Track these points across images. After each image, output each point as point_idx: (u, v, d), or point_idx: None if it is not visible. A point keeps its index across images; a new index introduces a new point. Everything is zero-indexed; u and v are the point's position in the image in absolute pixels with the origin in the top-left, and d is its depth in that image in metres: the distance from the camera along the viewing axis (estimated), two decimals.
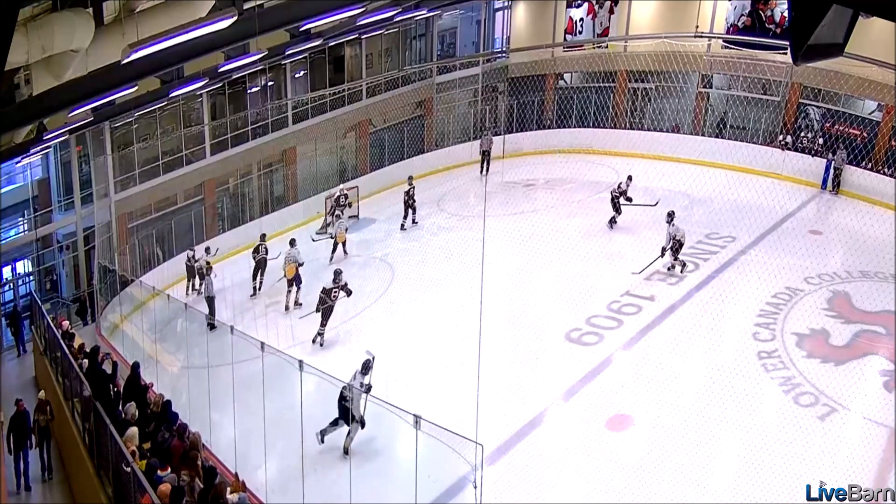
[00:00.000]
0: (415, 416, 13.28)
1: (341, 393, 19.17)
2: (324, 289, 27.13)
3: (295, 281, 30.59)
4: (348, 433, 19.77)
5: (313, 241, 36.25)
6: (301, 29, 30.48)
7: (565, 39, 47.12)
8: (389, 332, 27.08)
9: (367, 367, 19.83)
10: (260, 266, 32.52)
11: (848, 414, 21.08)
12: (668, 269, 29.46)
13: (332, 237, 35.53)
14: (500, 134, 44.93)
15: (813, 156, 38.89)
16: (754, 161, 37.76)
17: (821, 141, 39.32)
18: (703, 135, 43.35)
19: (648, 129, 44.64)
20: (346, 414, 19.61)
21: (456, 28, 49.13)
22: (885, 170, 36.85)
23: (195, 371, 24.55)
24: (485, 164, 43.89)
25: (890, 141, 37.44)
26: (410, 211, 37.43)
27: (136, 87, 23.41)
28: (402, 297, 30.30)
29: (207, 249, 34.18)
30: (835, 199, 35.93)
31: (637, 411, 21.46)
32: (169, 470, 16.48)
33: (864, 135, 38.16)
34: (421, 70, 46.65)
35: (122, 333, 32.05)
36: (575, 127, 46.56)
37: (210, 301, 30.45)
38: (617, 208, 33.30)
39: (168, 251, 37.16)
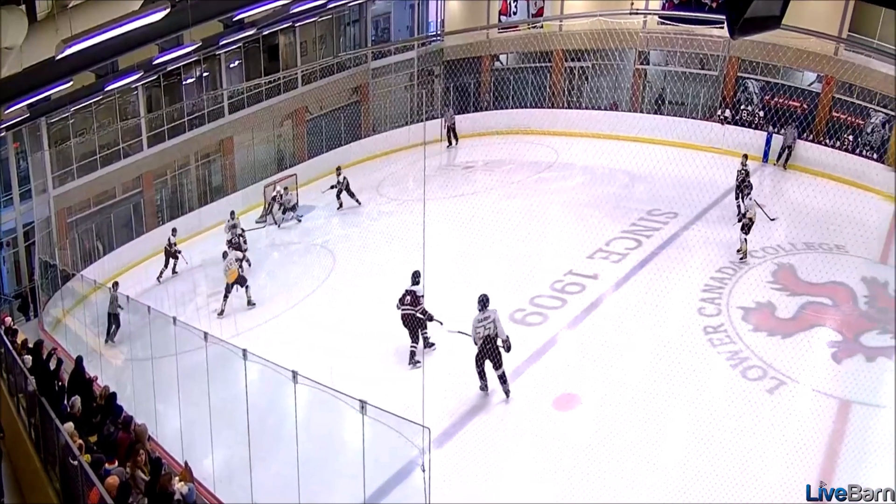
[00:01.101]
0: (360, 401, 13.00)
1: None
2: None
3: (238, 282, 29.64)
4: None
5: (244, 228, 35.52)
6: (234, 19, 30.40)
7: (500, 21, 46.86)
8: (332, 318, 26.70)
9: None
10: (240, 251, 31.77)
11: (796, 386, 20.97)
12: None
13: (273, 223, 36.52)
14: (442, 114, 45.29)
15: (753, 129, 38.89)
16: (694, 136, 37.57)
17: (761, 114, 39.31)
18: (641, 111, 43.25)
19: (586, 108, 44.32)
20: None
21: (390, 13, 48.65)
22: (827, 141, 36.91)
23: (139, 363, 24.23)
24: (451, 138, 44.34)
25: (830, 112, 37.52)
26: (338, 199, 37.73)
27: (71, 83, 23.13)
28: (343, 284, 29.89)
29: (174, 231, 34.64)
30: (777, 172, 35.73)
31: (584, 390, 21.15)
32: (116, 463, 16.07)
33: (805, 106, 38.17)
34: (356, 56, 46.25)
35: (64, 328, 31.79)
36: (512, 108, 46.15)
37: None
38: None
39: (108, 245, 36.85)
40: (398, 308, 23.34)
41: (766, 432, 18.71)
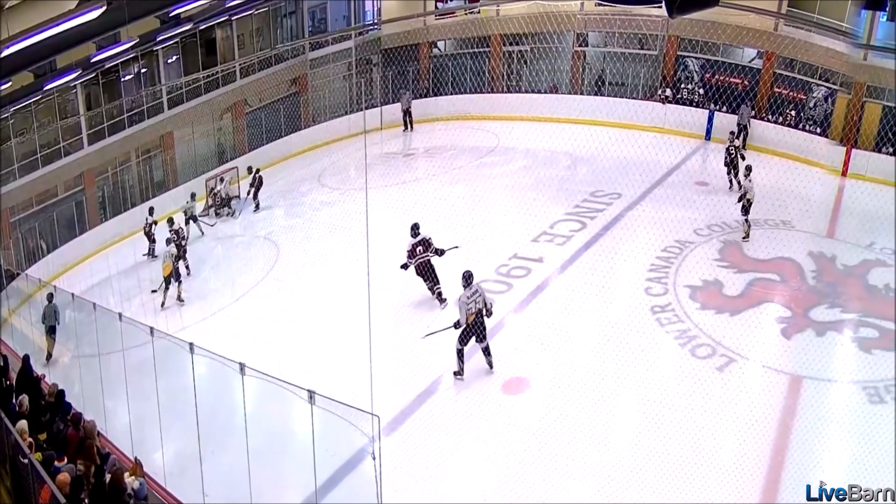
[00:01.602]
0: (309, 391, 12.85)
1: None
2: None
3: (173, 276, 29.30)
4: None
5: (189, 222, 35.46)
6: (171, 14, 30.14)
7: (436, 8, 46.75)
8: (278, 309, 26.49)
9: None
10: (179, 250, 31.15)
11: (746, 363, 20.98)
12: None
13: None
14: (397, 98, 45.26)
15: (694, 107, 38.94)
16: (636, 116, 37.58)
17: (701, 92, 39.35)
18: (581, 93, 43.11)
19: (526, 92, 44.29)
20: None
21: (326, 3, 48.10)
22: (769, 117, 37.07)
23: (86, 360, 23.79)
24: (408, 121, 44.39)
25: (772, 88, 37.63)
26: (252, 197, 37.45)
27: (9, 83, 22.82)
28: (288, 275, 29.61)
29: (151, 210, 34.68)
30: (720, 149, 35.53)
31: (532, 373, 20.97)
32: (66, 460, 16.05)
33: (746, 83, 38.29)
34: (293, 47, 45.71)
35: (10, 327, 31.10)
36: (452, 94, 46.07)
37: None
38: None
39: (52, 243, 36.29)
40: (410, 262, 24.67)
41: (718, 410, 18.58)
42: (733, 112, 37.08)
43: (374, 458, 12.36)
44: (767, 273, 25.32)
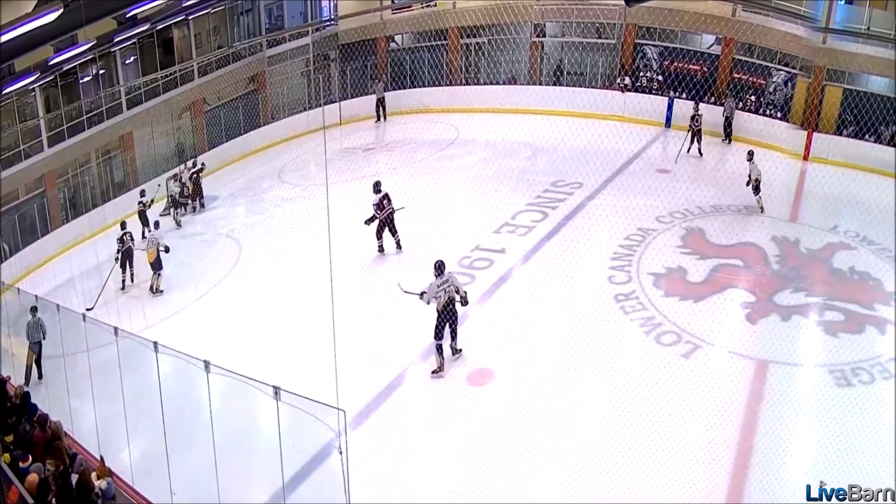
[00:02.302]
0: (274, 387, 12.89)
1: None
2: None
3: (155, 265, 29.39)
4: None
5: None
6: (128, 15, 29.89)
7: (393, 2, 46.40)
8: (242, 306, 26.32)
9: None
10: (127, 256, 30.73)
11: (712, 349, 20.98)
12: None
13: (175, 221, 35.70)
14: (372, 90, 45.14)
15: (654, 95, 38.94)
16: (595, 105, 37.49)
17: (660, 79, 39.32)
18: (540, 84, 43.02)
19: (485, 84, 44.23)
20: None
21: (282, 1, 47.90)
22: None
23: (51, 361, 23.82)
24: (381, 112, 44.49)
25: (731, 73, 37.72)
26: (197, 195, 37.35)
27: None
28: (251, 271, 29.36)
29: (142, 192, 34.81)
30: (680, 136, 35.43)
31: (497, 364, 20.92)
32: (30, 460, 15.79)
33: (705, 70, 38.38)
34: (251, 45, 45.45)
35: None
36: (410, 87, 45.91)
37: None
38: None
39: (14, 246, 35.81)
40: (379, 214, 27.34)
41: (684, 396, 18.52)
42: (692, 99, 36.81)
43: (340, 453, 12.37)
44: (731, 259, 25.33)
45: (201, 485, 15.92)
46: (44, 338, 26.00)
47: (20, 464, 15.30)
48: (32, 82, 33.86)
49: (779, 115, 35.98)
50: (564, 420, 18.33)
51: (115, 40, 35.19)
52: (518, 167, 34.93)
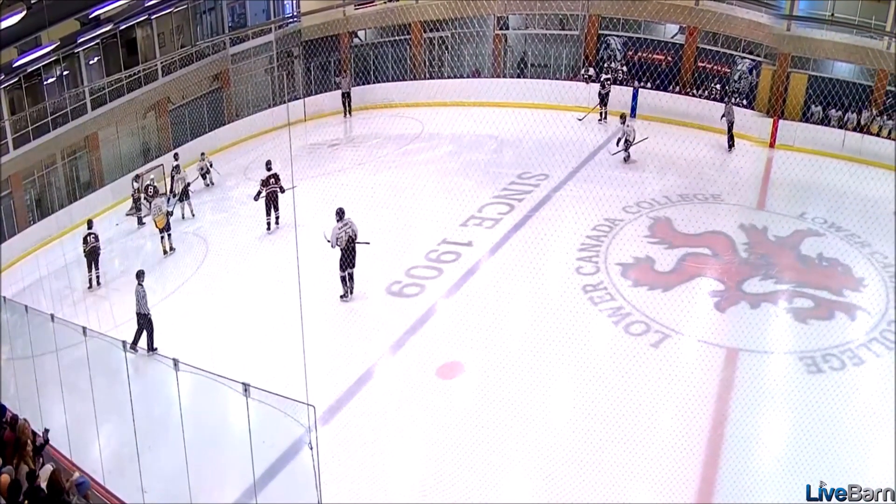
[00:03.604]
0: (243, 384, 12.88)
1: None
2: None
3: (165, 228, 31.21)
4: None
5: (117, 225, 35.59)
6: (91, 16, 29.72)
7: None
8: (210, 304, 26.18)
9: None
10: (93, 256, 30.70)
11: (681, 338, 21.05)
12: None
13: (141, 222, 35.60)
14: (337, 85, 45.42)
15: (619, 85, 38.71)
16: (560, 97, 37.42)
17: (625, 70, 39.23)
18: (504, 76, 42.99)
19: (449, 77, 43.96)
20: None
21: None
22: (695, 91, 37.18)
23: (20, 362, 23.29)
24: (347, 106, 44.61)
25: (696, 62, 37.72)
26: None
27: None
28: (218, 269, 29.18)
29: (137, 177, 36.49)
30: (646, 126, 35.36)
31: (467, 357, 20.87)
32: (1, 462, 15.51)
33: (669, 59, 38.35)
34: (214, 43, 45.24)
35: None
36: (374, 83, 45.89)
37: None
38: None
39: None
40: (263, 189, 30.57)
41: (655, 386, 18.56)
42: (657, 89, 36.95)
43: (311, 448, 12.46)
44: (699, 248, 25.34)
45: (173, 483, 15.99)
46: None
47: None
48: None
49: (744, 102, 35.95)
50: (535, 412, 18.30)
51: (79, 41, 35.10)
52: (484, 160, 34.88)
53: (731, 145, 33.93)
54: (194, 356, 15.00)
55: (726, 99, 36.07)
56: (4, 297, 25.93)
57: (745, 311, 21.90)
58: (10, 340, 25.15)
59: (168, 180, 36.63)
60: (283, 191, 30.45)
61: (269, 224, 30.44)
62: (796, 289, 22.86)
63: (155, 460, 17.23)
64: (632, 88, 38.08)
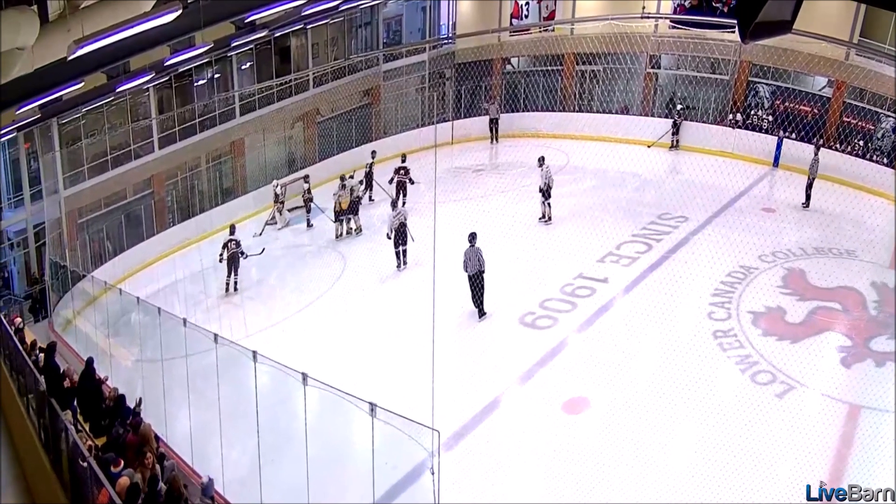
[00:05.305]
0: (370, 403, 13.07)
1: None
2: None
3: (351, 211, 34.88)
4: None
5: (255, 236, 36.28)
6: (246, 21, 30.40)
7: (511, 24, 46.62)
8: (342, 320, 26.81)
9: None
10: (232, 262, 31.52)
11: (806, 391, 20.93)
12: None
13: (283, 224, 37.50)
14: (486, 111, 45.68)
15: (764, 133, 38.74)
16: (705, 140, 37.59)
17: (770, 118, 39.17)
18: (652, 115, 43.08)
19: (597, 112, 44.16)
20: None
21: (401, 15, 48.47)
22: (837, 146, 36.75)
23: (149, 365, 24.15)
24: (494, 132, 45.15)
25: (841, 117, 37.42)
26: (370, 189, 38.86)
27: (82, 83, 23.22)
28: (354, 286, 29.81)
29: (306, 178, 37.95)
30: (788, 176, 35.40)
31: (593, 393, 21.21)
32: (122, 464, 15.98)
33: (815, 111, 38.10)
34: (367, 58, 46.05)
35: (75, 329, 31.70)
36: (523, 111, 46.07)
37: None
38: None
39: (118, 246, 36.76)
40: (395, 176, 36.16)
41: (776, 437, 18.65)
42: (802, 140, 36.88)
43: (432, 473, 12.55)
44: (830, 302, 25.22)
45: (292, 497, 16.31)
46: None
47: (111, 468, 15.42)
48: (147, 82, 34.70)
49: (885, 161, 35.53)
50: (656, 453, 18.55)
51: (232, 45, 36.03)
52: (625, 197, 35.09)
53: (807, 204, 33.19)
54: (323, 371, 15.22)
55: (815, 151, 35.13)
56: (138, 298, 27.00)
57: (871, 369, 21.70)
58: (141, 342, 25.95)
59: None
60: (412, 182, 34.56)
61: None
62: None
63: (276, 473, 17.75)
64: (776, 138, 37.97)
